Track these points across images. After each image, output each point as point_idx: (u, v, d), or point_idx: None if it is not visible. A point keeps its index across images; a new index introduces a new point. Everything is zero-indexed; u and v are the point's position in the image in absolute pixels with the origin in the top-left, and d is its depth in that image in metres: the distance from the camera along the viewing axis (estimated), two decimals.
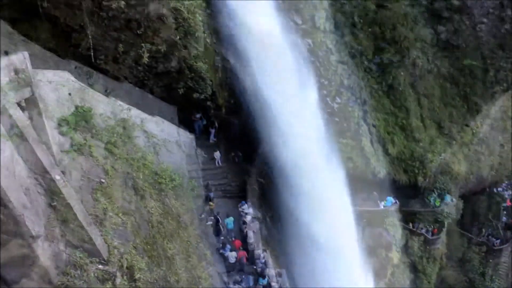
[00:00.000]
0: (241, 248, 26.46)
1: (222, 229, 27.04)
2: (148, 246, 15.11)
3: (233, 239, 27.31)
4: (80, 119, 14.69)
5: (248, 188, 30.33)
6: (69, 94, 14.85)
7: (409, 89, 34.73)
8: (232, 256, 25.58)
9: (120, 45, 18.95)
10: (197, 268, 20.47)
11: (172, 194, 20.93)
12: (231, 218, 27.84)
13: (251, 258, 26.72)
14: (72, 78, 15.44)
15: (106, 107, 18.07)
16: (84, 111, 14.99)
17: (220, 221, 27.05)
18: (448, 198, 37.06)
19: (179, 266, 17.90)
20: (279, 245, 31.08)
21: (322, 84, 31.07)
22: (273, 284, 24.81)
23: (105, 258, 11.48)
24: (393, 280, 40.32)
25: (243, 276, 24.84)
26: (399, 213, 38.96)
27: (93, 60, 18.34)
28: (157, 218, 17.27)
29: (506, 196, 55.21)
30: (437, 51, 33.72)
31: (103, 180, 14.00)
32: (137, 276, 12.43)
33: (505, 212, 54.79)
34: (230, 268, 25.91)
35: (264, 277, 24.42)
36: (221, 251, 26.02)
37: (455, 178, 40.64)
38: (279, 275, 26.36)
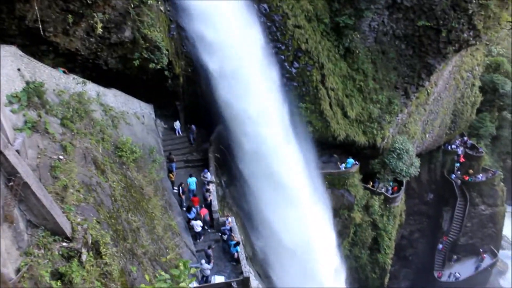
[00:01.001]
0: (202, 205, 26.89)
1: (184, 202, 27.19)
2: (113, 220, 15.00)
3: (192, 196, 27.57)
4: (32, 95, 14.17)
5: (210, 156, 30.38)
6: (18, 69, 14.25)
7: (366, 52, 35.15)
8: (197, 225, 25.79)
9: (69, 15, 18.15)
10: (163, 239, 20.56)
11: (133, 167, 20.75)
12: (193, 178, 27.98)
13: (217, 226, 27.04)
14: (20, 52, 14.78)
15: (59, 81, 17.49)
16: (35, 86, 14.45)
17: (182, 190, 27.10)
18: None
19: (145, 238, 17.92)
20: (240, 209, 31.83)
21: (280, 49, 31.01)
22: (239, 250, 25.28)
23: (69, 236, 11.33)
24: (356, 238, 41.89)
25: (212, 245, 25.14)
26: (359, 174, 40.08)
27: (41, 33, 17.51)
28: (119, 192, 17.11)
29: (459, 152, 57.68)
30: (392, 13, 34.06)
31: (61, 157, 13.68)
32: (103, 251, 12.38)
33: (458, 165, 57.45)
34: (198, 237, 26.22)
35: (236, 245, 24.80)
36: (186, 214, 26.20)
37: (412, 138, 41.95)
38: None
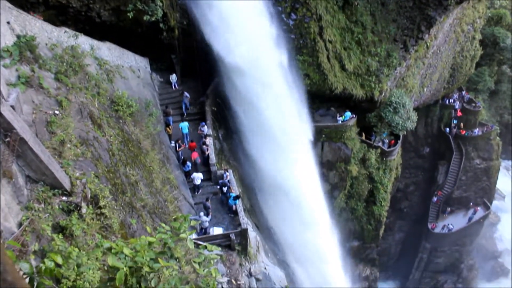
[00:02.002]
0: (195, 149, 27.39)
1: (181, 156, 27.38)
2: (111, 174, 15.11)
3: (188, 142, 27.93)
4: (24, 49, 13.88)
5: (206, 109, 30.29)
6: (8, 22, 13.89)
7: (365, 3, 34.35)
8: (197, 178, 26.11)
9: None
10: (161, 192, 20.82)
11: (130, 121, 20.70)
12: (185, 123, 28.21)
13: (214, 179, 27.36)
14: (9, 4, 14.36)
15: (51, 34, 17.12)
16: (27, 40, 14.13)
17: (179, 145, 27.26)
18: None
19: (144, 192, 18.13)
20: (237, 162, 32.10)
21: (277, 0, 30.28)
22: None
23: (68, 190, 11.43)
24: (352, 191, 42.51)
25: (210, 198, 25.50)
26: (356, 127, 40.16)
27: None
28: (117, 146, 17.14)
29: (457, 107, 57.61)
30: None
31: (57, 112, 13.58)
32: (102, 204, 12.53)
33: (455, 122, 57.53)
34: (196, 190, 26.62)
35: (236, 198, 25.15)
36: (183, 168, 26.53)
37: (410, 92, 41.75)
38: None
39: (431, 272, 61.88)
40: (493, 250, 70.39)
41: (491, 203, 62.73)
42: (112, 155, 16.08)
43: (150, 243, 8.30)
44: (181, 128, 28.22)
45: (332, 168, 39.33)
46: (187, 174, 26.80)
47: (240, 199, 25.52)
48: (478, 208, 60.45)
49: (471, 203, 60.82)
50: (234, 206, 25.11)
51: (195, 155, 26.99)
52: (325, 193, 38.04)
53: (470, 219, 59.88)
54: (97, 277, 9.52)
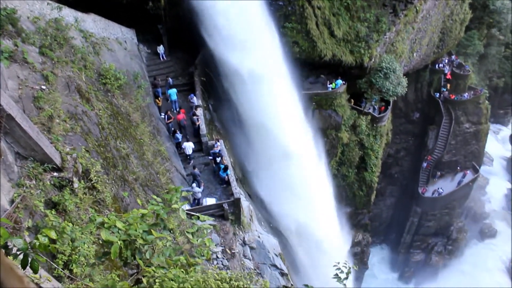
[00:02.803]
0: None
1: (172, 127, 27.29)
2: (101, 148, 15.04)
3: (178, 109, 27.79)
4: (5, 22, 13.55)
5: (195, 80, 30.01)
6: None
7: None
8: (189, 147, 26.09)
9: None
10: (153, 164, 20.83)
11: (118, 94, 20.49)
12: (174, 90, 28.06)
13: (206, 150, 27.38)
14: None
15: (33, 7, 16.70)
16: (7, 13, 13.76)
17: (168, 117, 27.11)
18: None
19: (135, 165, 18.12)
20: (228, 132, 32.01)
21: None
22: (229, 173, 25.77)
23: (59, 165, 11.38)
24: (343, 158, 42.81)
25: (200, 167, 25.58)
26: (346, 94, 40.09)
27: None
28: (106, 120, 17.01)
29: (446, 71, 57.60)
30: None
31: (43, 87, 13.38)
32: (94, 179, 12.52)
33: (444, 90, 57.65)
34: (188, 160, 26.65)
35: (226, 169, 25.23)
36: (173, 140, 26.49)
37: (399, 57, 41.57)
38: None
39: (421, 236, 63.22)
40: (481, 212, 71.87)
41: (480, 166, 63.62)
42: (102, 129, 15.97)
43: (142, 216, 8.33)
44: (170, 94, 28.03)
45: (323, 135, 39.42)
46: (178, 145, 26.78)
47: (230, 168, 25.62)
48: (467, 171, 61.33)
49: (459, 167, 61.63)
50: (226, 177, 25.23)
51: (180, 117, 26.83)
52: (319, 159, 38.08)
53: (459, 182, 60.80)
54: (92, 251, 9.61)
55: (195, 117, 27.33)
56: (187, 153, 26.35)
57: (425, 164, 59.94)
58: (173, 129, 26.92)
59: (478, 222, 71.05)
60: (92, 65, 18.96)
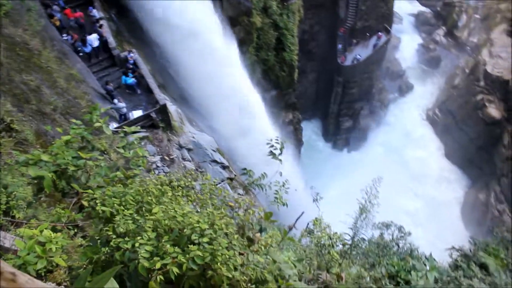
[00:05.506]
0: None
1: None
2: (6, 86, 14.26)
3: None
4: None
5: None
6: None
7: None
8: (93, 39, 25.05)
9: None
10: (68, 90, 20.04)
11: (8, 22, 18.83)
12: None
13: (120, 63, 26.49)
14: None
15: None
16: None
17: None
18: None
19: (49, 95, 17.40)
20: (139, 40, 30.69)
21: None
22: (149, 81, 25.40)
23: None
24: (260, 42, 42.68)
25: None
26: None
27: None
28: (3, 54, 15.87)
29: None
30: None
31: None
32: (8, 120, 12.03)
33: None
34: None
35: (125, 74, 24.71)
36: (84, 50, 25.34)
37: None
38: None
39: (347, 103, 66.40)
40: (398, 70, 75.92)
41: (391, 27, 65.83)
42: (1, 65, 14.96)
43: (67, 142, 8.32)
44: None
45: (235, 23, 38.69)
46: (90, 56, 25.55)
47: (150, 77, 25.21)
48: (381, 34, 63.43)
49: (372, 33, 63.36)
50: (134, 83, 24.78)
51: (77, 15, 25.65)
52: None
53: (375, 46, 63.09)
54: (29, 192, 9.57)
55: (101, 30, 25.92)
56: (94, 46, 25.22)
57: (340, 34, 61.23)
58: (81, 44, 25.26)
59: (396, 80, 75.36)
60: None
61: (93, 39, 24.80)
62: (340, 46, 61.87)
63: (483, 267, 10.88)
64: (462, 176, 65.07)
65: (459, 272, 10.71)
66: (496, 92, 58.14)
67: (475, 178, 62.93)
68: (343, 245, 9.63)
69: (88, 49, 25.27)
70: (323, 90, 65.85)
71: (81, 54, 25.25)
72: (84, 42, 25.05)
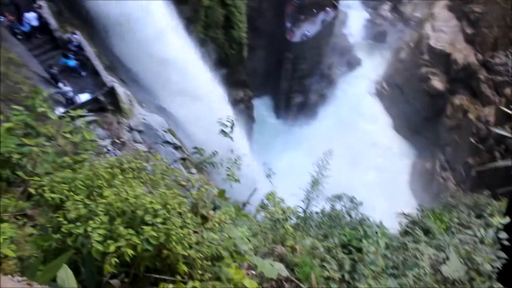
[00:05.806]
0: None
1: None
2: None
3: None
4: None
5: None
6: None
7: None
8: (31, 18, 23.91)
9: None
10: (7, 75, 19.14)
11: None
12: None
13: (63, 46, 25.46)
14: None
15: None
16: None
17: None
18: None
19: None
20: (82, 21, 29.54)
21: None
22: (95, 63, 24.62)
23: None
24: (208, 20, 42.14)
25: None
26: None
27: None
28: None
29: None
30: None
31: None
32: None
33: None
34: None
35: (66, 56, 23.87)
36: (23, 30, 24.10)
37: None
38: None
39: (297, 79, 66.83)
40: (345, 45, 77.00)
41: (338, 2, 66.43)
42: None
43: (9, 130, 7.99)
44: None
45: (182, 2, 37.90)
46: (29, 37, 24.35)
47: (96, 59, 24.43)
48: (328, 9, 63.96)
49: (315, 10, 63.67)
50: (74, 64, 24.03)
51: None
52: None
53: (323, 21, 63.65)
54: None
55: (40, 11, 24.72)
56: (33, 24, 24.07)
57: (288, 11, 61.30)
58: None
59: (345, 55, 76.45)
60: None
61: (31, 18, 23.57)
62: (288, 22, 61.97)
63: (429, 231, 11.51)
64: (410, 146, 67.51)
65: (408, 238, 11.29)
66: (439, 65, 60.27)
67: (421, 148, 65.41)
68: (297, 218, 9.90)
69: (26, 28, 23.99)
70: (273, 67, 65.94)
71: (19, 36, 23.99)
72: (20, 21, 23.78)
